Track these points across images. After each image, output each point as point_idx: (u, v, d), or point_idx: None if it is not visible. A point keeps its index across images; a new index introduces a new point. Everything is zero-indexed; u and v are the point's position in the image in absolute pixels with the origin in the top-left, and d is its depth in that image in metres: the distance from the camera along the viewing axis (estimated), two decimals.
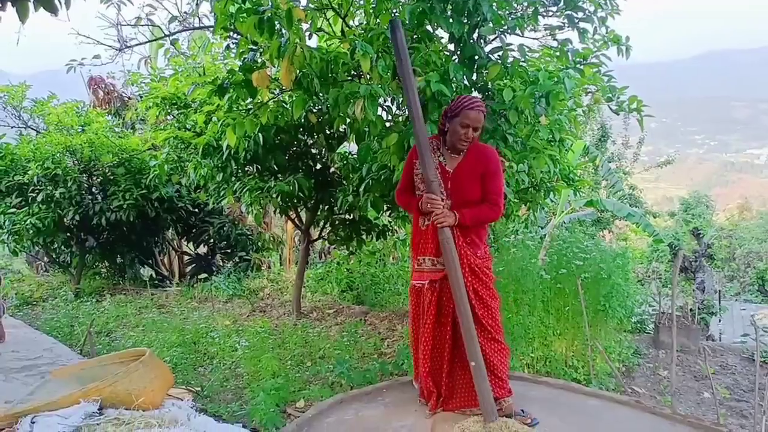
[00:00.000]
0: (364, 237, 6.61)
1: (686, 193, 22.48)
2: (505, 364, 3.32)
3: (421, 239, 3.42)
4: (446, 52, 4.48)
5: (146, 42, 5.54)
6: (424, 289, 3.39)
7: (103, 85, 9.88)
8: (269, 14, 3.93)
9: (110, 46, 5.37)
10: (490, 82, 4.28)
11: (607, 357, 4.18)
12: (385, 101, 4.97)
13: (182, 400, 3.30)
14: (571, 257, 4.63)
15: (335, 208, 6.15)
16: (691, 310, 5.82)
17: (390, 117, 4.95)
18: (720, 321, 9.72)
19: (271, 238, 9.24)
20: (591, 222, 14.29)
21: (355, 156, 5.41)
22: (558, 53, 4.38)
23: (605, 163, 12.65)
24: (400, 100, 4.74)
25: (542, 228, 11.06)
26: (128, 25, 5.39)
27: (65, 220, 7.51)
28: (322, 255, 10.04)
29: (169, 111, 6.18)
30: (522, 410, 3.24)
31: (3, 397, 3.30)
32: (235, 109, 5.06)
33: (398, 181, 4.28)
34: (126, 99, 9.87)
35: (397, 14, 4.22)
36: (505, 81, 4.13)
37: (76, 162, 7.62)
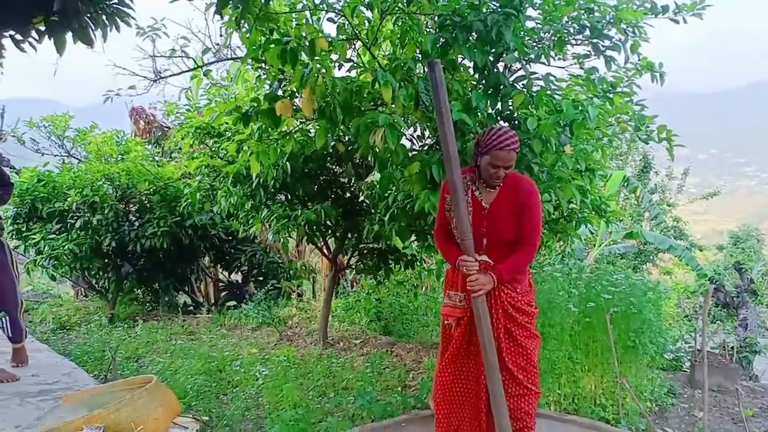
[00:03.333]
0: (392, 266, 6.56)
1: (736, 226, 21.75)
2: (533, 409, 3.16)
3: (453, 273, 3.30)
4: (472, 81, 4.47)
5: (179, 73, 5.69)
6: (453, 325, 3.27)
7: (144, 115, 10.20)
8: (293, 45, 3.99)
9: (145, 77, 5.54)
10: (515, 111, 4.23)
11: (636, 396, 3.99)
12: (411, 130, 4.98)
13: (188, 428, 3.27)
14: (600, 290, 4.47)
15: (363, 237, 6.12)
16: (732, 347, 5.53)
17: (413, 146, 4.93)
18: None
19: (303, 267, 9.26)
20: (633, 255, 13.94)
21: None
22: (585, 82, 4.31)
23: (646, 195, 12.36)
24: (424, 129, 4.73)
25: (581, 261, 10.82)
26: (162, 56, 5.57)
27: (102, 246, 7.69)
28: (353, 284, 10.00)
29: (203, 140, 6.30)
30: None
31: (15, 421, 3.33)
32: (264, 138, 5.13)
33: (421, 210, 4.24)
34: (166, 128, 10.15)
35: (420, 45, 4.22)
36: (530, 109, 4.07)
37: (113, 190, 7.82)
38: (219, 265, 9.93)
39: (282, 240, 6.13)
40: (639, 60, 4.41)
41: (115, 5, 3.87)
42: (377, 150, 4.19)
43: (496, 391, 2.97)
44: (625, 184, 10.77)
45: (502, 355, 3.08)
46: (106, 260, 8.24)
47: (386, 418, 4.19)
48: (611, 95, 4.28)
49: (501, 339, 3.08)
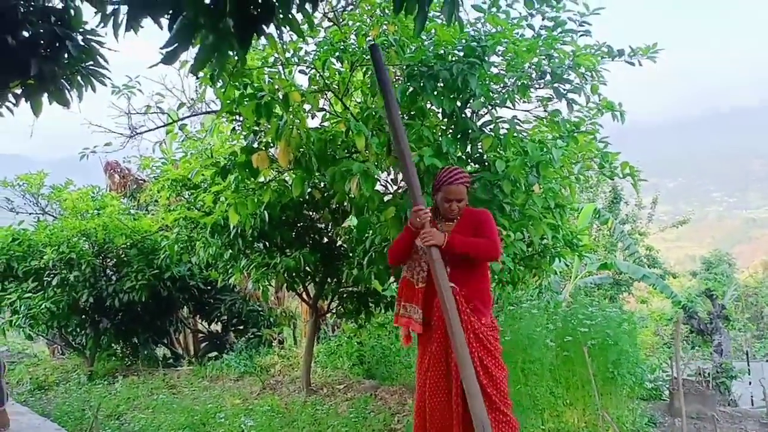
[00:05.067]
0: (372, 309, 6.60)
1: (707, 252, 22.18)
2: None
3: (408, 288, 3.45)
4: (441, 127, 4.63)
5: (155, 128, 5.80)
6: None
7: (119, 169, 10.23)
8: (267, 99, 4.11)
9: (121, 134, 5.64)
10: (484, 154, 4.38)
11: (618, 427, 4.06)
12: (384, 175, 5.11)
13: None
14: (577, 324, 4.58)
15: (342, 281, 6.17)
16: (708, 374, 5.65)
17: (387, 191, 5.05)
18: (750, 384, 9.39)
19: (283, 313, 9.24)
20: (609, 285, 14.14)
21: None
22: (549, 124, 4.50)
23: (618, 226, 12.62)
24: (397, 174, 4.86)
25: (558, 294, 10.95)
26: (137, 113, 5.67)
27: (80, 302, 7.61)
28: (334, 329, 9.98)
29: (179, 192, 6.35)
30: None
31: None
32: (241, 188, 5.20)
33: None
34: (141, 182, 10.17)
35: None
36: (499, 151, 4.22)
37: (90, 245, 7.79)
38: (198, 316, 9.85)
39: (262, 288, 6.16)
40: (600, 100, 4.63)
41: (91, 67, 3.96)
42: (353, 196, 4.31)
43: (470, 388, 3.05)
44: (597, 216, 11.01)
45: (480, 378, 3.17)
46: (84, 316, 8.15)
47: None
48: (576, 134, 4.48)
49: (478, 371, 3.17)
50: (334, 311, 7.04)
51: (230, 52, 2.80)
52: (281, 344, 9.37)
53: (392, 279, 5.58)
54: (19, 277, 7.53)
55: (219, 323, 9.64)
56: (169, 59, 2.71)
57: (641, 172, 4.36)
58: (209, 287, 8.97)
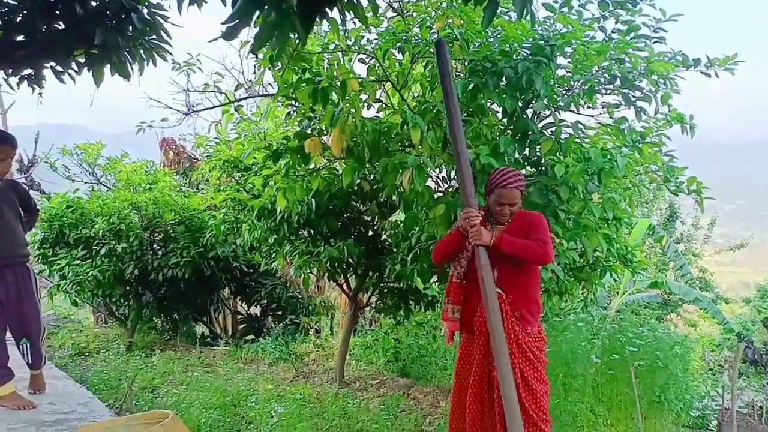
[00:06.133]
0: (412, 307, 6.51)
1: (764, 279, 21.22)
2: None
3: (458, 288, 3.36)
4: (500, 126, 4.49)
5: (212, 107, 5.83)
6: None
7: (174, 146, 10.38)
8: (324, 84, 4.05)
9: (178, 110, 5.69)
10: (542, 158, 4.22)
11: None
12: (437, 172, 5.00)
13: None
14: (625, 342, 4.38)
15: (384, 276, 6.09)
16: (760, 407, 5.35)
17: (440, 188, 4.94)
18: None
19: (322, 303, 9.22)
20: (657, 305, 13.67)
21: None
22: (614, 131, 4.30)
23: (672, 244, 12.17)
24: (451, 171, 4.74)
25: (604, 309, 10.64)
26: (196, 91, 5.72)
27: (125, 273, 7.74)
28: (372, 323, 9.92)
29: (230, 173, 6.37)
30: None
31: None
32: (291, 174, 5.17)
33: None
34: (194, 160, 10.31)
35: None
36: (558, 156, 4.06)
37: (139, 218, 7.91)
38: (239, 298, 9.93)
39: (303, 275, 6.13)
40: (669, 111, 4.41)
41: (153, 41, 3.98)
42: (403, 190, 4.22)
43: (509, 404, 2.94)
44: (651, 232, 10.62)
45: (519, 391, 3.06)
46: (128, 288, 8.29)
47: None
48: (640, 145, 4.27)
49: (518, 383, 3.06)
50: (373, 305, 6.98)
51: (291, 34, 2.74)
52: (318, 333, 9.37)
53: (435, 278, 5.48)
54: (69, 244, 7.69)
55: (258, 307, 9.69)
56: (229, 35, 2.66)
57: (708, 189, 4.13)
58: (251, 270, 9.01)
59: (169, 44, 4.00)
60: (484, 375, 3.20)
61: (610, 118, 4.39)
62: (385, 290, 6.48)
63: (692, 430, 5.34)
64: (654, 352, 4.27)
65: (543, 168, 4.29)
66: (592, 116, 4.49)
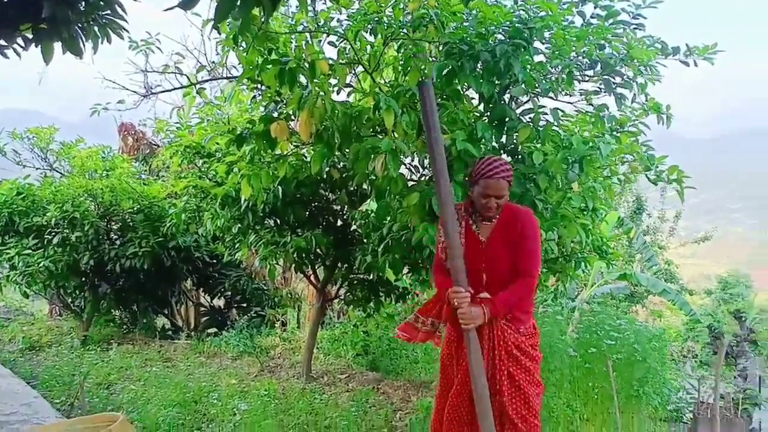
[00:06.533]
0: (382, 299, 6.33)
1: (724, 271, 21.67)
2: None
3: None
4: (476, 112, 4.31)
5: (172, 89, 5.50)
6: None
7: (133, 132, 9.99)
8: (292, 65, 3.81)
9: (135, 92, 5.34)
10: (520, 145, 4.07)
11: None
12: (409, 159, 4.80)
13: None
14: (602, 335, 4.27)
15: (354, 267, 5.89)
16: (733, 400, 5.32)
17: (413, 176, 4.75)
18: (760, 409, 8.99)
19: (288, 295, 8.99)
20: (624, 296, 13.78)
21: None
22: (593, 119, 4.16)
23: (640, 236, 12.24)
24: (424, 158, 4.55)
25: (572, 300, 10.63)
26: (155, 72, 5.37)
27: (80, 264, 7.39)
28: (340, 315, 9.73)
29: (192, 159, 6.08)
30: None
31: None
32: (257, 160, 4.92)
33: (418, 242, 4.04)
34: (154, 146, 9.93)
35: (425, 72, 4.06)
36: (536, 144, 3.90)
37: (95, 206, 7.56)
38: (201, 289, 9.63)
39: (269, 266, 5.90)
40: (646, 100, 4.29)
41: (108, 16, 3.68)
42: (374, 178, 4.01)
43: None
44: (619, 224, 10.64)
45: (503, 400, 2.89)
46: (83, 279, 7.94)
47: None
48: (619, 133, 4.15)
49: (503, 384, 2.90)
50: (342, 297, 6.78)
51: (256, 7, 2.51)
52: (284, 326, 9.15)
53: (406, 270, 5.30)
54: (20, 233, 7.32)
55: (222, 299, 9.43)
56: (187, 4, 2.42)
57: (689, 178, 4.02)
58: (214, 261, 8.73)
59: (125, 20, 3.71)
60: (468, 388, 3.02)
61: (589, 105, 4.24)
62: (355, 282, 6.29)
63: (667, 423, 5.29)
64: (632, 345, 4.17)
65: (520, 156, 4.12)
66: (570, 103, 4.35)
